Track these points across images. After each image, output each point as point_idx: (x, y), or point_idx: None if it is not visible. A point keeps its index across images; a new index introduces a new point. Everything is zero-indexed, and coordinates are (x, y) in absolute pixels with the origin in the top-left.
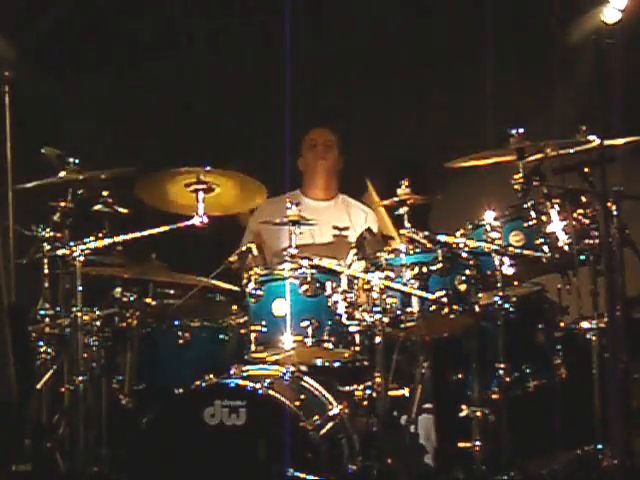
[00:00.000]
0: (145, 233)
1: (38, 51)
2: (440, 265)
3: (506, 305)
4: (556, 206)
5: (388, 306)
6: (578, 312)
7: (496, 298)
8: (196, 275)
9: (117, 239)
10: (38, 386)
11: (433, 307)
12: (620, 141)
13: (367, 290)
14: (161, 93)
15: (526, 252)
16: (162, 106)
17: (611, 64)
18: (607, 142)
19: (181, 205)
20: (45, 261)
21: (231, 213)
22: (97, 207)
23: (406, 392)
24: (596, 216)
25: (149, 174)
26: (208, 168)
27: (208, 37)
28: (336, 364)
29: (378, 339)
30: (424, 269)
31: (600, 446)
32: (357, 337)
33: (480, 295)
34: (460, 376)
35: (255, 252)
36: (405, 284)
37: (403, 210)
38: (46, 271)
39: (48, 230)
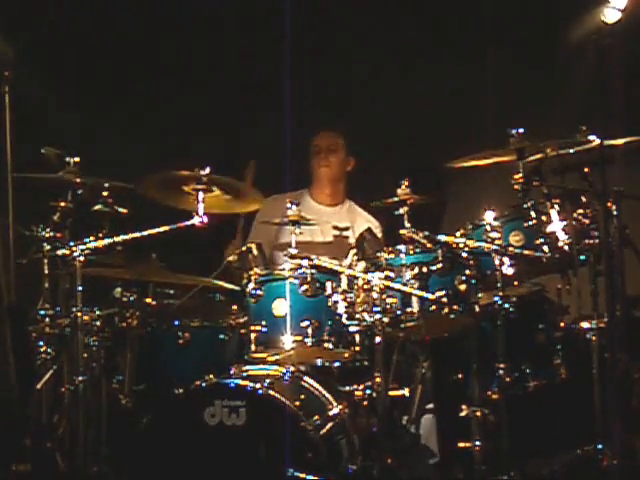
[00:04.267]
0: (145, 233)
1: (38, 51)
2: (440, 265)
3: (506, 305)
4: (556, 206)
5: (388, 306)
6: (578, 312)
7: (496, 298)
8: (196, 275)
9: (117, 239)
10: (38, 386)
11: (433, 307)
12: (620, 141)
13: (367, 290)
14: (161, 92)
15: (526, 252)
16: (162, 105)
17: (611, 64)
18: (607, 142)
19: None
20: (45, 261)
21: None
22: (97, 207)
23: (406, 392)
24: (596, 216)
25: (149, 177)
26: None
27: (209, 36)
28: (336, 364)
29: (378, 339)
30: (424, 269)
31: (600, 446)
32: (357, 337)
33: (480, 295)
34: (460, 376)
35: (255, 252)
36: (405, 284)
37: (403, 210)
38: (46, 271)
39: (48, 230)
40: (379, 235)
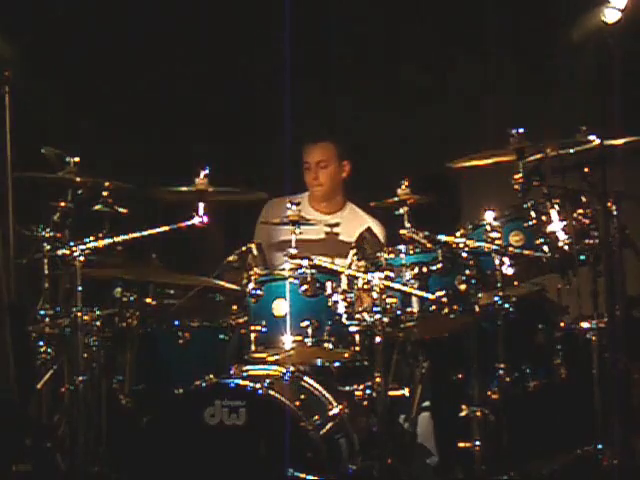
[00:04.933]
0: (145, 233)
1: (38, 51)
2: (440, 265)
3: (506, 305)
4: (556, 206)
5: (388, 306)
6: (578, 312)
7: (496, 298)
8: (196, 275)
9: (117, 239)
10: (38, 386)
11: (433, 307)
12: (620, 141)
13: (367, 290)
14: (161, 93)
15: (526, 252)
16: (163, 107)
17: (611, 64)
18: (607, 142)
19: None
20: (45, 261)
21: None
22: (97, 207)
23: (406, 392)
24: (596, 216)
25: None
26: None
27: (209, 38)
28: (336, 364)
29: (378, 339)
30: (424, 269)
31: (600, 446)
32: (357, 337)
33: (480, 295)
34: (460, 376)
35: (255, 252)
36: (405, 284)
37: (403, 210)
38: (46, 271)
39: (48, 230)
40: (381, 238)
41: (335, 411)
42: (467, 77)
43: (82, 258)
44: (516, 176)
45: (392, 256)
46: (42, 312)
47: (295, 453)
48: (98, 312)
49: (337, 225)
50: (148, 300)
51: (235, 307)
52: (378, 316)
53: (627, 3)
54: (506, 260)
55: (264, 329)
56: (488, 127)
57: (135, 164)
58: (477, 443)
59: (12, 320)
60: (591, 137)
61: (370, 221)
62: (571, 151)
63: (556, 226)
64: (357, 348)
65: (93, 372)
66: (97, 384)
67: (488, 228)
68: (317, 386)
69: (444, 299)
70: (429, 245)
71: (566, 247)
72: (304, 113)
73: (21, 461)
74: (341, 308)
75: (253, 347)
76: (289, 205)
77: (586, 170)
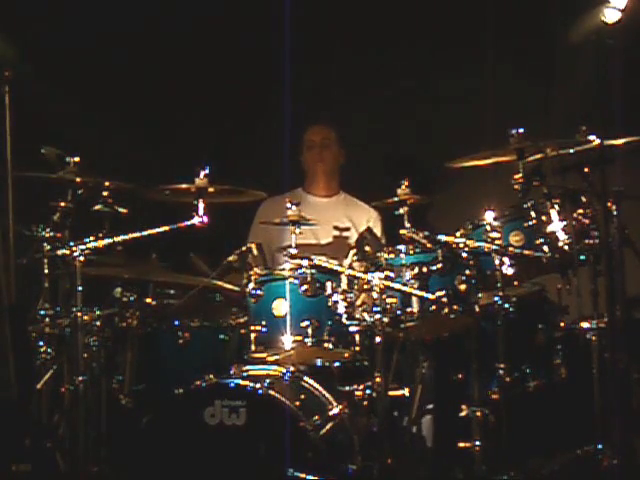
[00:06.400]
0: (145, 233)
1: (38, 51)
2: (440, 265)
3: (506, 305)
4: (556, 206)
5: (388, 306)
6: (578, 312)
7: (496, 298)
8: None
9: (117, 239)
10: (38, 386)
11: (433, 307)
12: (620, 141)
13: (367, 290)
14: (160, 92)
15: (526, 252)
16: (162, 105)
17: (611, 64)
18: (607, 142)
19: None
20: (45, 261)
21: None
22: (97, 207)
23: (406, 392)
24: (596, 216)
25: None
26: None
27: (207, 35)
28: (336, 364)
29: (378, 339)
30: (424, 269)
31: (600, 446)
32: (357, 337)
33: (480, 295)
34: (460, 376)
35: (255, 252)
36: (405, 284)
37: (403, 210)
38: (46, 271)
39: (48, 230)
40: (378, 226)
41: (335, 411)
42: (467, 77)
43: (82, 258)
44: (516, 176)
45: (392, 256)
46: (42, 312)
47: (295, 453)
48: (98, 312)
49: (347, 229)
50: (148, 300)
51: (235, 307)
52: (378, 316)
53: (627, 3)
54: (506, 260)
55: (264, 329)
56: (488, 127)
57: (135, 164)
58: (477, 443)
59: (12, 320)
60: (591, 137)
61: (364, 207)
62: (571, 151)
63: (556, 226)
64: (357, 348)
65: (93, 372)
66: (97, 384)
67: (488, 228)
68: (317, 386)
69: (444, 299)
70: (429, 245)
71: (566, 247)
72: (302, 112)
73: (21, 461)
74: (341, 308)
75: (253, 347)
76: (289, 205)
77: (586, 170)
